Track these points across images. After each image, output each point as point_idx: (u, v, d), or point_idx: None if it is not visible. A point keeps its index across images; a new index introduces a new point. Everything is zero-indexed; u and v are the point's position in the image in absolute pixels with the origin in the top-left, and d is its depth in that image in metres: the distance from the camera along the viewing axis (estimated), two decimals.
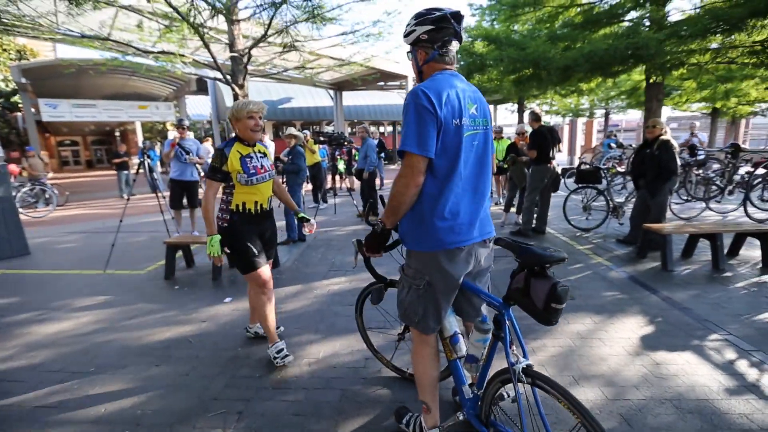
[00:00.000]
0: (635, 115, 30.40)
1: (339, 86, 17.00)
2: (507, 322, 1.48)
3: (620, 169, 7.88)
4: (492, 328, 1.54)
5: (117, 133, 27.22)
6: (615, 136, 12.24)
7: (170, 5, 4.28)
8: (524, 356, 1.45)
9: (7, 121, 17.88)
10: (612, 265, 4.35)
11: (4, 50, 17.25)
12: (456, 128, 1.46)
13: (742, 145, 7.06)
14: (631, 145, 11.52)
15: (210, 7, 4.64)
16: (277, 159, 5.74)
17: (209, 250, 2.32)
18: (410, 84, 14.93)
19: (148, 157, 5.45)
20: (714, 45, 4.98)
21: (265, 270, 2.51)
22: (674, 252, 4.27)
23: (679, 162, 4.61)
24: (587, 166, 6.19)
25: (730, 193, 6.70)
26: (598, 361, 2.50)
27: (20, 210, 8.64)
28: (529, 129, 6.20)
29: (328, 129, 21.46)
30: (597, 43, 5.21)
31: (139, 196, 11.59)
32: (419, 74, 1.63)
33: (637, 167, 4.88)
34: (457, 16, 1.53)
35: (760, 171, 6.37)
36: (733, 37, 4.76)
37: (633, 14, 6.04)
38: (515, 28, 7.13)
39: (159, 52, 4.88)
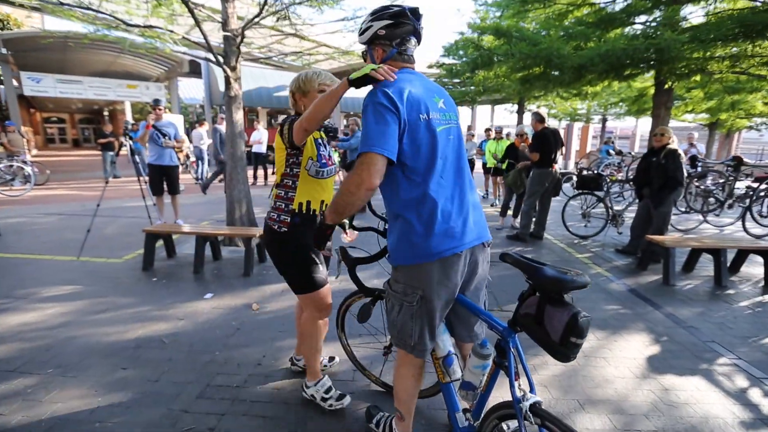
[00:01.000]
0: (630, 123, 30.57)
1: (338, 76, 16.67)
2: (512, 350, 1.29)
3: (619, 176, 7.77)
4: (493, 354, 1.35)
5: (105, 113, 26.45)
6: (612, 142, 12.17)
7: None
8: (531, 391, 1.26)
9: None
10: (612, 276, 4.21)
11: None
12: (426, 123, 1.33)
13: (744, 159, 6.98)
14: (629, 153, 11.48)
15: None
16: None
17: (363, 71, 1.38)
18: None
19: (130, 138, 5.12)
20: (734, 51, 4.83)
21: (328, 290, 1.99)
22: (675, 265, 4.14)
23: (685, 173, 4.47)
24: (589, 172, 6.04)
25: (730, 206, 6.63)
26: (603, 384, 2.33)
27: None
28: (529, 130, 6.02)
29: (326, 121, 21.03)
30: (615, 42, 5.02)
31: (124, 178, 11.16)
32: None
33: (641, 176, 4.74)
34: (416, 13, 1.44)
35: (764, 186, 6.29)
36: (750, 46, 4.61)
37: (644, 17, 5.88)
38: (522, 25, 6.91)
39: (145, 26, 4.55)
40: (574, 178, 9.75)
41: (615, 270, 4.42)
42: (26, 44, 11.76)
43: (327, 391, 2.04)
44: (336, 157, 2.23)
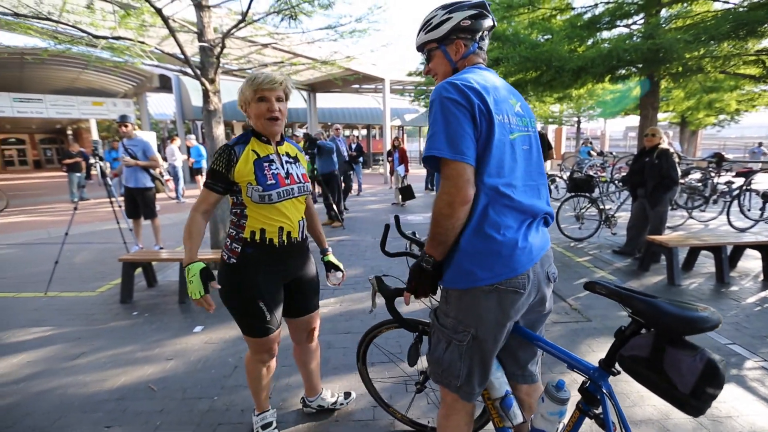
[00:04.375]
0: (599, 124, 31.63)
1: (313, 87, 16.42)
2: (606, 396, 1.10)
3: (603, 176, 7.87)
4: (569, 397, 1.15)
5: (69, 132, 25.18)
6: (590, 143, 12.43)
7: None
8: None
9: None
10: (616, 280, 4.14)
11: None
12: (500, 126, 1.14)
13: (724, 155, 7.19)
14: (611, 153, 11.73)
15: None
16: None
17: (190, 291, 1.49)
18: (387, 88, 14.58)
19: (100, 158, 4.73)
20: (729, 50, 4.93)
21: (275, 335, 1.72)
22: (678, 265, 4.11)
23: (679, 171, 4.49)
24: (579, 175, 6.04)
25: (715, 202, 6.78)
26: (640, 401, 2.18)
27: None
28: None
29: (300, 132, 20.77)
30: (617, 43, 5.03)
31: (93, 200, 10.51)
32: (452, 72, 1.30)
33: (635, 176, 4.73)
34: (488, 7, 1.30)
35: (740, 181, 6.47)
36: (743, 43, 4.72)
37: (627, 20, 5.99)
38: (509, 31, 6.96)
39: (114, 38, 4.22)
40: (558, 180, 9.88)
41: (618, 272, 4.36)
42: None
43: (264, 428, 1.91)
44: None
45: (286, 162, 1.69)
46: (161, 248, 5.13)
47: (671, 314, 0.96)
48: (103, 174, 4.69)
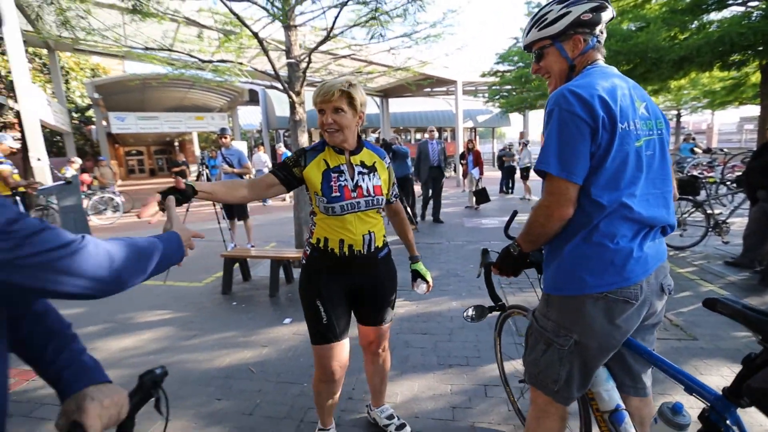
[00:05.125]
0: (704, 117, 27.71)
1: (386, 93, 16.84)
2: (733, 430, 0.99)
3: (711, 176, 6.90)
4: (689, 423, 1.07)
5: (176, 143, 28.94)
6: (693, 139, 10.94)
7: (232, 12, 4.18)
8: None
9: (82, 134, 19.50)
10: (730, 295, 3.62)
11: (81, 69, 18.82)
12: (623, 135, 1.09)
13: None
14: (721, 150, 10.20)
15: (269, 15, 4.49)
16: None
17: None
18: (459, 89, 14.39)
19: (207, 166, 5.42)
20: None
21: (336, 350, 1.66)
22: None
23: None
24: (682, 175, 5.39)
25: None
26: None
27: (92, 216, 9.16)
28: None
29: (373, 136, 21.39)
30: (729, 28, 4.44)
31: (196, 203, 11.99)
32: (568, 70, 1.25)
33: (753, 176, 4.10)
34: None
35: None
36: None
37: None
38: None
39: (219, 61, 4.82)
40: None
41: (732, 287, 3.81)
42: (114, 88, 13.21)
43: None
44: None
45: (359, 173, 1.65)
46: (252, 246, 5.69)
47: None
48: (208, 180, 5.37)
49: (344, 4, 4.08)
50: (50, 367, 0.76)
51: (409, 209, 6.99)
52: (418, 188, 8.15)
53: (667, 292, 1.21)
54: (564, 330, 1.19)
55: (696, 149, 9.87)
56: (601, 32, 1.24)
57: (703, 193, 5.26)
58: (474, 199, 8.73)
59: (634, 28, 5.59)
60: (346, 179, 1.63)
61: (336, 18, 4.15)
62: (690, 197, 5.14)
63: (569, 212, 1.12)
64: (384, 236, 1.79)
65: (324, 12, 4.64)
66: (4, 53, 10.30)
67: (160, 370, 0.84)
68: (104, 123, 14.59)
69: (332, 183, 1.61)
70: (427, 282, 1.88)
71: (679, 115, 18.38)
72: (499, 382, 2.37)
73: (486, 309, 1.82)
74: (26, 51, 6.44)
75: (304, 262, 1.73)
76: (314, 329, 1.67)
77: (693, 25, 5.49)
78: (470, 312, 1.83)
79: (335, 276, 1.69)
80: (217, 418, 2.19)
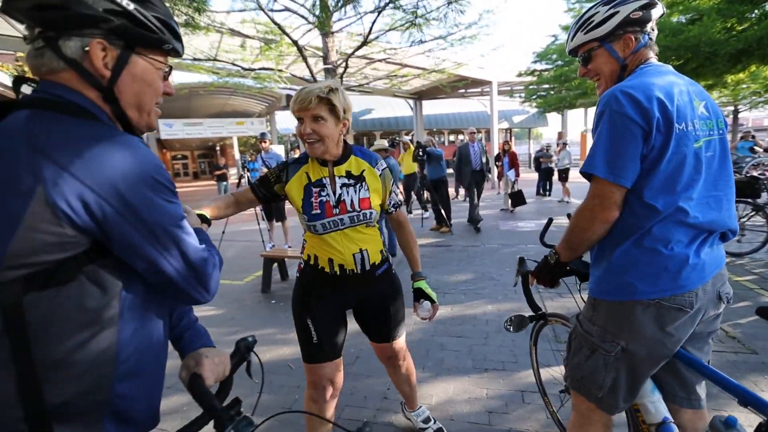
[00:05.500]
0: (765, 112, 25.61)
1: (419, 95, 16.85)
2: None
3: None
4: None
5: (217, 147, 30.39)
6: (753, 137, 10.10)
7: (274, 22, 4.37)
8: None
9: None
10: None
11: None
12: (679, 137, 1.05)
13: None
14: None
15: (309, 23, 4.65)
16: None
17: None
18: (495, 90, 14.13)
19: (248, 169, 5.67)
20: None
21: (326, 370, 1.57)
22: None
23: None
24: (740, 176, 5.02)
25: None
26: None
27: None
28: None
29: (406, 138, 21.43)
30: None
31: None
32: (620, 71, 1.22)
33: None
34: None
35: None
36: None
37: None
38: None
39: (260, 69, 5.04)
40: None
41: None
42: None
43: None
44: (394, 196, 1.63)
45: (343, 185, 1.49)
46: (289, 247, 5.88)
47: None
48: (249, 182, 5.62)
49: (382, 9, 4.15)
50: (174, 330, 0.93)
51: (443, 212, 6.96)
52: (452, 191, 8.08)
53: (725, 300, 1.15)
54: (610, 335, 1.15)
55: (756, 148, 9.10)
56: (653, 29, 1.20)
57: (764, 195, 4.86)
58: (509, 201, 8.54)
59: (684, 21, 5.27)
60: (328, 194, 1.48)
61: (373, 23, 4.22)
62: (749, 200, 4.77)
63: (613, 216, 1.09)
64: (382, 251, 1.62)
65: (361, 17, 4.75)
66: None
67: (252, 338, 0.98)
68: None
69: (313, 199, 1.47)
70: (433, 303, 1.69)
71: (736, 111, 16.99)
72: (536, 388, 2.32)
73: (526, 319, 1.76)
74: None
75: (298, 275, 1.64)
76: (305, 349, 1.60)
77: (752, 15, 5.10)
78: (510, 322, 1.78)
79: (329, 293, 1.58)
80: (258, 411, 2.28)
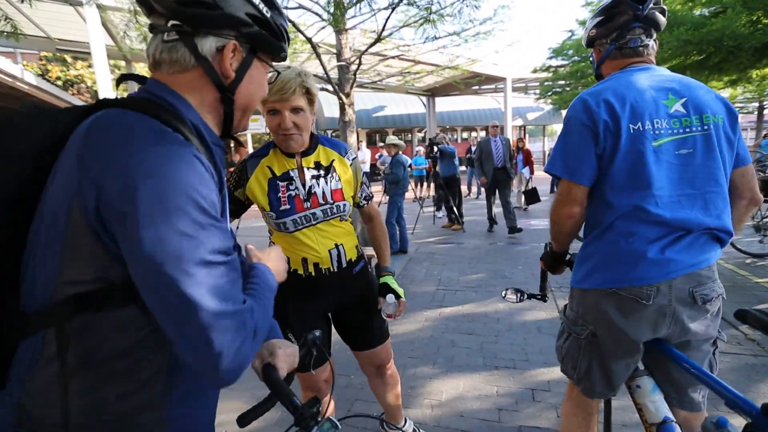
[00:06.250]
0: None
1: (432, 92, 16.74)
2: None
3: None
4: None
5: (231, 144, 30.79)
6: None
7: (288, 20, 4.40)
8: None
9: None
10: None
11: None
12: (634, 136, 1.11)
13: None
14: None
15: (323, 20, 4.67)
16: (372, 167, 5.64)
17: None
18: (509, 86, 13.96)
19: None
20: None
21: (315, 377, 1.48)
22: None
23: None
24: (762, 174, 4.87)
25: None
26: None
27: None
28: None
29: (419, 135, 21.37)
30: None
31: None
32: (598, 79, 1.34)
33: None
34: None
35: None
36: None
37: None
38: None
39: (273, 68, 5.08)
40: None
41: None
42: None
43: None
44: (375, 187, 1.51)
45: (312, 177, 1.38)
46: None
47: None
48: None
49: (396, 6, 4.14)
50: None
51: (455, 209, 6.93)
52: (464, 188, 8.03)
53: (698, 301, 1.13)
54: (581, 320, 1.26)
55: None
56: (620, 37, 1.23)
57: None
58: (523, 199, 8.45)
59: (707, 14, 5.09)
60: (297, 187, 1.37)
61: (386, 20, 4.22)
62: None
63: (574, 211, 1.21)
64: (357, 246, 1.52)
65: (374, 14, 4.74)
66: (90, 66, 11.54)
67: (319, 332, 1.00)
68: None
69: (280, 194, 1.35)
70: (398, 298, 1.52)
71: (761, 108, 16.37)
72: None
73: (525, 294, 1.70)
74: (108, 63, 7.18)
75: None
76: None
77: None
78: (507, 289, 1.72)
79: (304, 301, 1.46)
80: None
